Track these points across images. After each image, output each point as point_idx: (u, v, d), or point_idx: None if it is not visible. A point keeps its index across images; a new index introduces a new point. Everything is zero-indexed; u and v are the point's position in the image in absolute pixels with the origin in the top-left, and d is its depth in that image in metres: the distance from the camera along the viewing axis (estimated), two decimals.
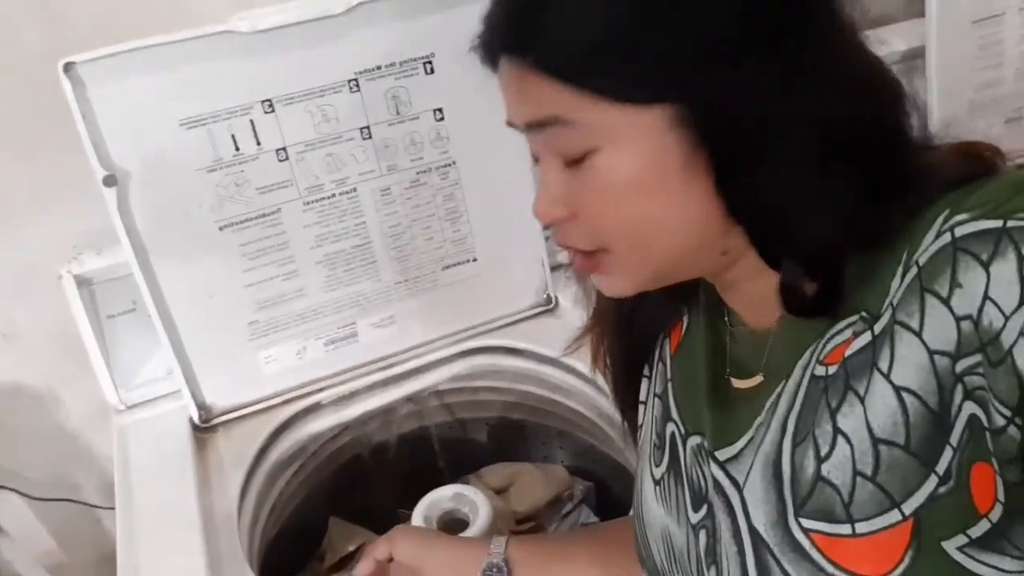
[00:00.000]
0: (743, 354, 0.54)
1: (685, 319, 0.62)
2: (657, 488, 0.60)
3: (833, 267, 0.45)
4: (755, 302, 0.52)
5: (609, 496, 1.12)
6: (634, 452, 0.68)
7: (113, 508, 0.90)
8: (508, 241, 1.06)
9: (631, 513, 0.68)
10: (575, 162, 0.46)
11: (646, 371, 0.65)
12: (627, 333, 0.63)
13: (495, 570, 0.70)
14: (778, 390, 0.48)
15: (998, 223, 0.38)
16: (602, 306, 0.62)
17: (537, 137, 0.48)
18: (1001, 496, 0.39)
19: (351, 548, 1.03)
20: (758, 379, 0.52)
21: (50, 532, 1.27)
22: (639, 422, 0.66)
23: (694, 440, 0.56)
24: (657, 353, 0.64)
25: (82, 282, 0.93)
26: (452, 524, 0.94)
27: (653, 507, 0.60)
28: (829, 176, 0.43)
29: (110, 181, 0.85)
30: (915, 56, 1.20)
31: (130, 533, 0.82)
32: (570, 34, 0.44)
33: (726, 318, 0.56)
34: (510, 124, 0.50)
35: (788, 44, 0.42)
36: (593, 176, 0.46)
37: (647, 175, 0.44)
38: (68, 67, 0.80)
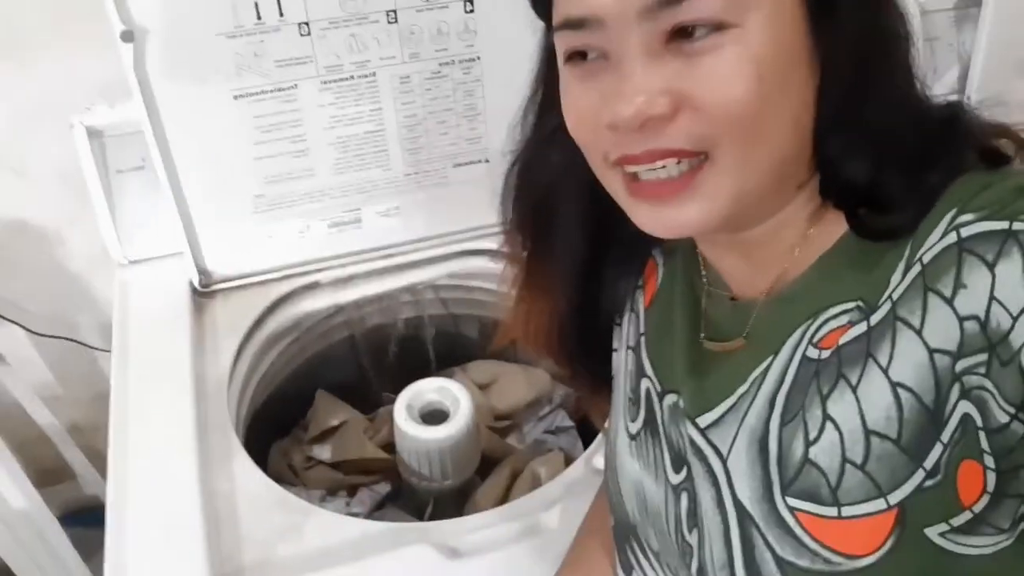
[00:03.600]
0: (720, 318, 0.54)
1: (660, 271, 0.60)
2: (633, 444, 0.59)
3: (904, 187, 0.43)
4: (750, 270, 0.51)
5: None
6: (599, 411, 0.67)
7: (108, 351, 0.92)
8: None
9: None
10: (684, 40, 0.41)
11: (616, 319, 0.64)
12: (588, 291, 0.60)
13: None
14: (765, 364, 0.48)
15: (1004, 224, 0.38)
16: (546, 274, 0.60)
17: (645, 21, 0.41)
18: (991, 487, 0.41)
19: (334, 423, 1.06)
20: (734, 344, 0.52)
21: (48, 366, 1.32)
22: (614, 370, 0.64)
23: (670, 399, 0.55)
24: (629, 303, 0.62)
25: (93, 134, 0.93)
26: (433, 415, 0.96)
27: (627, 461, 0.60)
28: (914, 98, 0.45)
29: (127, 36, 0.83)
30: (970, 5, 1.15)
31: (124, 386, 0.85)
32: None
33: (704, 279, 0.56)
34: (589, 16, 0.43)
35: None
36: (715, 54, 0.41)
37: (777, 50, 0.41)
38: None
